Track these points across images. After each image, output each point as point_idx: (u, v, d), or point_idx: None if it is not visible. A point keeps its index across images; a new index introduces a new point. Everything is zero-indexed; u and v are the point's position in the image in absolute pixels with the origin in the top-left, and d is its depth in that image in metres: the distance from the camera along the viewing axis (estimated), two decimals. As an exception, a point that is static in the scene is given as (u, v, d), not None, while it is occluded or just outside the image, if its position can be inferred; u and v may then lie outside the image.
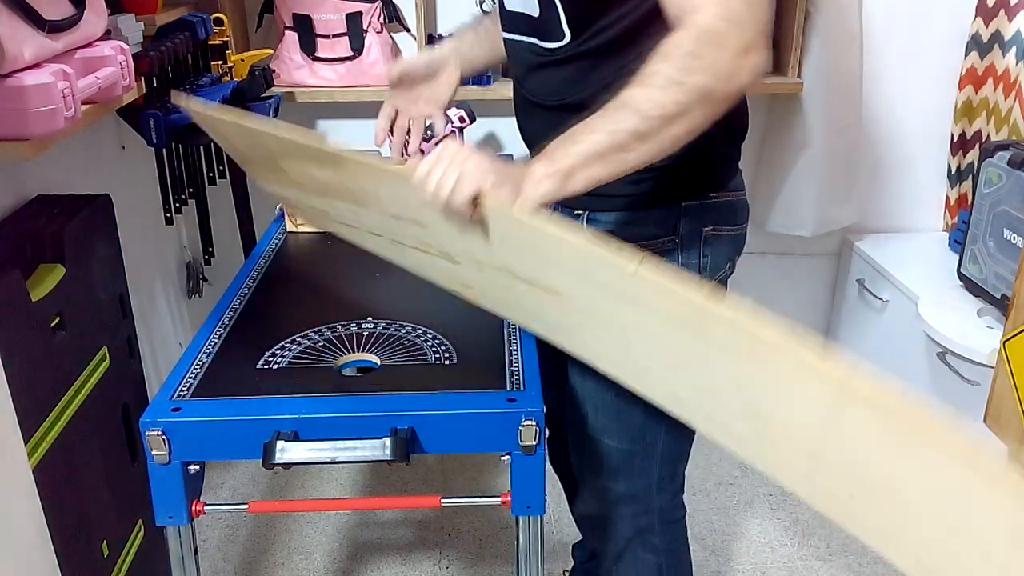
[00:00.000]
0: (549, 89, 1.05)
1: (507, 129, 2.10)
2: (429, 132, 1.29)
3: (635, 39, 0.94)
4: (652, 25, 0.91)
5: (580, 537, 1.59)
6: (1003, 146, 1.77)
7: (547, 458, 1.20)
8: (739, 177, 1.11)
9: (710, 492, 2.01)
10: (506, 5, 1.05)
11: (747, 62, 0.79)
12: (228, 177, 1.89)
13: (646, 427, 1.12)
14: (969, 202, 1.93)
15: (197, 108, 1.10)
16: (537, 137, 1.10)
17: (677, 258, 1.07)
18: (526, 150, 1.13)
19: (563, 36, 0.98)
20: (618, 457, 1.15)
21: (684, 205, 1.05)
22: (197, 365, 1.10)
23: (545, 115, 1.05)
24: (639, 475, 1.17)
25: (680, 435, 1.16)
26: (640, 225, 1.06)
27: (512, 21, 1.06)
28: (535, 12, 1.00)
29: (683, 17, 0.81)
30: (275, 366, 1.10)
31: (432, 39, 1.96)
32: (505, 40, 1.10)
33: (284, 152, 1.03)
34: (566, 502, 1.60)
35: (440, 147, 0.84)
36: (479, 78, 1.88)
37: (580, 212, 1.10)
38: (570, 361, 1.08)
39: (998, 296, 1.74)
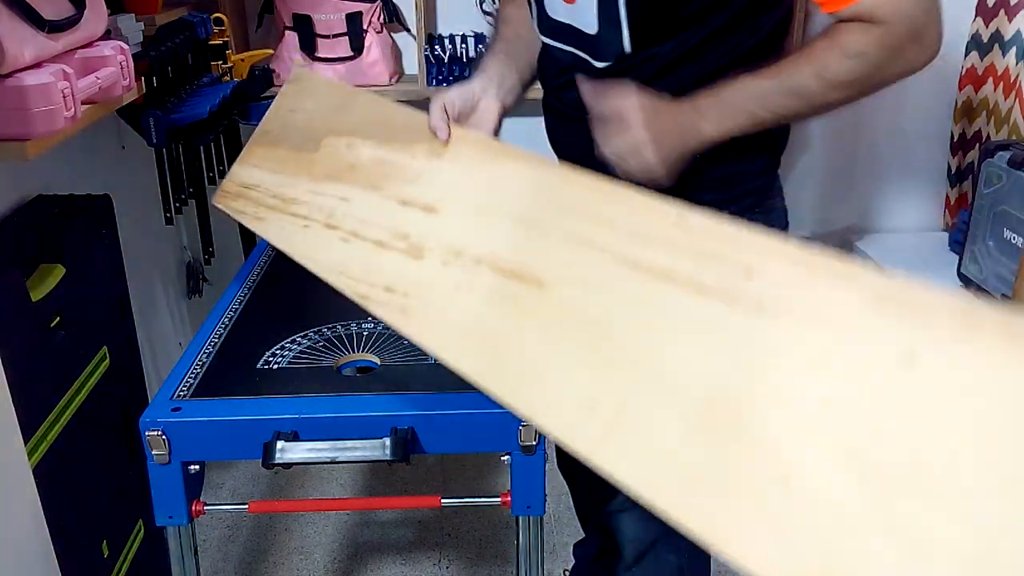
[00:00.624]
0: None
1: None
2: None
3: (694, 58, 0.93)
4: (711, 45, 0.91)
5: (581, 536, 1.59)
6: (1003, 146, 1.77)
7: (551, 459, 1.20)
8: (779, 182, 1.12)
9: (710, 492, 2.00)
10: (549, 13, 1.00)
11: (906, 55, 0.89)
12: (228, 177, 1.89)
13: None
14: (969, 202, 1.93)
15: (316, 76, 1.28)
16: (569, 148, 1.07)
17: None
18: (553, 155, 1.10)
19: (620, 55, 0.95)
20: None
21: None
22: (197, 365, 1.10)
23: (583, 129, 0.97)
24: None
25: None
26: None
27: (555, 29, 1.01)
28: (591, 30, 0.96)
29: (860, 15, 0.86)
30: (275, 366, 1.10)
31: (432, 39, 1.96)
32: (545, 45, 1.05)
33: (371, 123, 1.08)
34: (567, 502, 1.60)
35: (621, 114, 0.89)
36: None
37: None
38: None
39: (998, 296, 1.74)
